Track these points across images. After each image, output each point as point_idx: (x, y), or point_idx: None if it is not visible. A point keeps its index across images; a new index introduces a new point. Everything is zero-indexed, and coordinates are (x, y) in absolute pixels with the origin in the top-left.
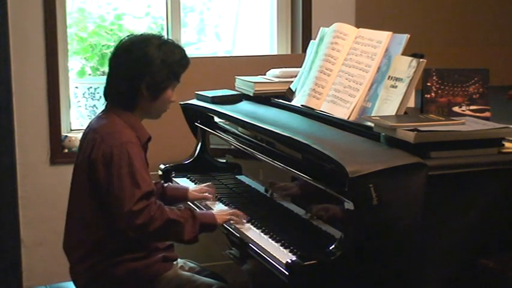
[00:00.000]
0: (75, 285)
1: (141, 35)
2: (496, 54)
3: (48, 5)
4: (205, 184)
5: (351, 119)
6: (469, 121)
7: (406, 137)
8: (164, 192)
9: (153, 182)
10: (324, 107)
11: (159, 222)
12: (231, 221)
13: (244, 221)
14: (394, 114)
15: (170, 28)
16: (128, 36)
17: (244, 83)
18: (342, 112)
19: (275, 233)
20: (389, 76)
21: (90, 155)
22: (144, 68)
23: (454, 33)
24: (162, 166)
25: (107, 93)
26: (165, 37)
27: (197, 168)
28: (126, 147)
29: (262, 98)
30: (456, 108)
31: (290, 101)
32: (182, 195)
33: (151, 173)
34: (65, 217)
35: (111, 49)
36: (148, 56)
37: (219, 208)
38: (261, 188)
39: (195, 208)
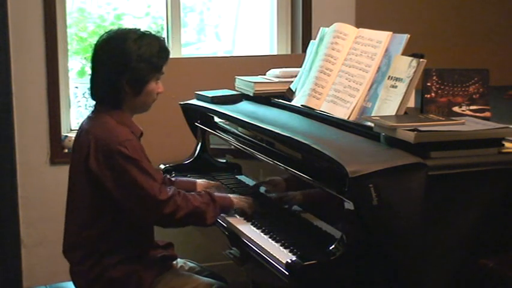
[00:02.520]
0: (75, 286)
1: (118, 30)
2: (496, 54)
3: (48, 5)
4: (213, 182)
5: (351, 119)
6: (469, 121)
7: (406, 137)
8: (172, 186)
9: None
10: (324, 107)
11: (185, 211)
12: (245, 209)
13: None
14: (394, 114)
15: (170, 28)
16: (105, 33)
17: (244, 83)
18: (342, 112)
19: (275, 233)
20: (389, 76)
21: (87, 160)
22: (122, 64)
23: (454, 33)
24: (162, 166)
25: (93, 93)
26: (143, 30)
27: (197, 168)
28: (125, 146)
29: (262, 98)
30: (456, 108)
31: (290, 101)
32: (190, 189)
33: None
34: (64, 219)
35: None
36: (126, 52)
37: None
38: (261, 188)
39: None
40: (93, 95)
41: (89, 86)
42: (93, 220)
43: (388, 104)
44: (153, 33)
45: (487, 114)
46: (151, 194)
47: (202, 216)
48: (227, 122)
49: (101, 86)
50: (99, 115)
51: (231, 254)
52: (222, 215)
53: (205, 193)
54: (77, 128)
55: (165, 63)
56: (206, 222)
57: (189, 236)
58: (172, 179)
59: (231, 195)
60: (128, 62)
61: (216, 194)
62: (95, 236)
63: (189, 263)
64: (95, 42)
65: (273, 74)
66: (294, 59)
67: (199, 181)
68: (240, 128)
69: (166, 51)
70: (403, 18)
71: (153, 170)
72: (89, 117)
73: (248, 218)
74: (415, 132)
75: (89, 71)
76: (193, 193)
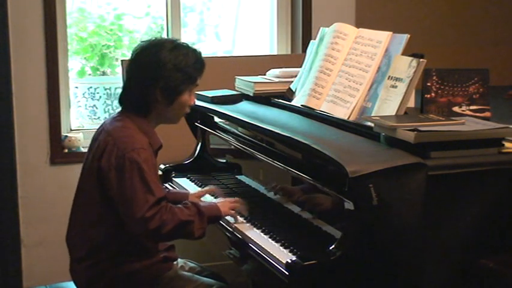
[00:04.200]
0: (76, 285)
1: (155, 39)
2: (496, 54)
3: (48, 5)
4: (205, 188)
5: (351, 119)
6: (469, 121)
7: (406, 137)
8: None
9: None
10: (324, 107)
11: (171, 225)
12: (235, 209)
13: (246, 212)
14: (394, 114)
15: (170, 28)
16: (143, 41)
17: (244, 83)
18: (342, 112)
19: (275, 233)
20: (389, 76)
21: (101, 158)
22: (156, 73)
23: (454, 33)
24: (162, 166)
25: (123, 100)
26: (180, 40)
27: (197, 168)
28: (138, 153)
29: (262, 98)
30: (456, 108)
31: (290, 101)
32: (182, 201)
33: None
34: (69, 214)
35: (111, 49)
36: (161, 61)
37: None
38: (261, 188)
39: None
40: (122, 101)
41: (89, 86)
42: (99, 220)
43: (388, 104)
44: (190, 44)
45: (487, 114)
46: (140, 209)
47: (190, 230)
48: (227, 122)
49: (133, 92)
50: (124, 118)
51: (231, 254)
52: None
53: (192, 205)
54: (77, 128)
55: (200, 75)
56: (194, 235)
57: None
58: (166, 190)
59: (218, 203)
60: (163, 70)
61: (203, 204)
62: (99, 235)
63: (189, 263)
64: (132, 50)
65: (273, 74)
66: (294, 59)
67: (192, 192)
68: (240, 128)
69: (202, 63)
70: (403, 18)
71: (155, 186)
72: (113, 118)
73: (248, 218)
74: (415, 132)
75: (89, 71)
76: (180, 205)
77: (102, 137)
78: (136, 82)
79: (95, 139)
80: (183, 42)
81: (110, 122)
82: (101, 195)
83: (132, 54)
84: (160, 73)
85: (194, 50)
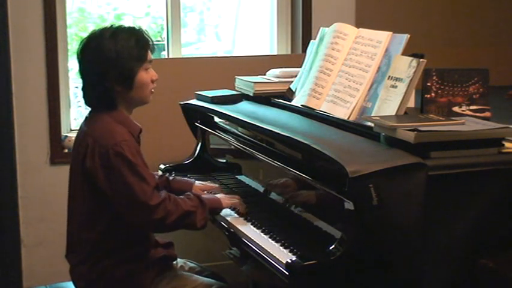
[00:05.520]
0: (75, 285)
1: (92, 33)
2: (496, 54)
3: (48, 5)
4: (211, 184)
5: (351, 119)
6: (469, 121)
7: (406, 137)
8: (169, 185)
9: (159, 174)
10: (324, 107)
11: (175, 216)
12: (234, 206)
13: (244, 210)
14: (394, 114)
15: (170, 28)
16: (82, 40)
17: (244, 83)
18: (342, 112)
19: (275, 233)
20: (389, 76)
21: (84, 161)
22: (104, 67)
23: (454, 33)
24: (162, 166)
25: (87, 101)
26: (116, 25)
27: (197, 168)
28: (121, 147)
29: (262, 98)
30: (456, 108)
31: (290, 101)
32: (187, 190)
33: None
34: (66, 222)
35: None
36: (103, 52)
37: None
38: (261, 188)
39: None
40: (88, 103)
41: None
42: (93, 221)
43: (388, 104)
44: (127, 26)
45: (487, 114)
46: (142, 199)
47: (192, 221)
48: (227, 122)
49: (92, 93)
50: (97, 114)
51: (231, 254)
52: (221, 215)
53: (194, 196)
54: (77, 128)
55: (148, 51)
56: (196, 226)
57: (189, 236)
58: (170, 177)
59: (218, 196)
60: (109, 61)
61: (205, 196)
62: (94, 237)
63: (189, 263)
64: (76, 53)
65: (273, 74)
66: (294, 59)
67: (197, 183)
68: (240, 128)
69: (144, 40)
70: (403, 18)
71: (147, 174)
72: (86, 118)
73: (248, 218)
74: (415, 132)
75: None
76: (182, 196)
77: (82, 139)
78: (91, 82)
79: (75, 143)
80: (120, 25)
81: (85, 123)
82: (90, 198)
83: (77, 56)
84: (107, 65)
85: (132, 30)
